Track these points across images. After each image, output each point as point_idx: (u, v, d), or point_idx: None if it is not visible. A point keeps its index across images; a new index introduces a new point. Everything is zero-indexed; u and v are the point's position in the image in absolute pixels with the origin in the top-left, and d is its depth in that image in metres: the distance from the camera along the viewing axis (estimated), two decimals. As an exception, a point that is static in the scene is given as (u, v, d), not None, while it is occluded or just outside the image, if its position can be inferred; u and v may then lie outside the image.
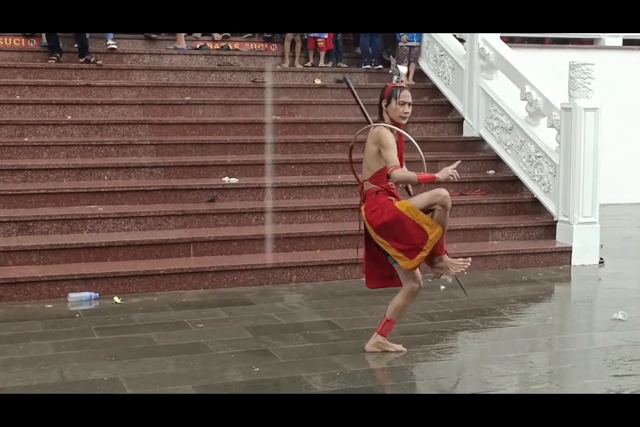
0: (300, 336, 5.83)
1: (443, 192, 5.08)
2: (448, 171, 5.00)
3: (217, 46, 11.24)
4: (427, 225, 5.06)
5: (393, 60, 5.70)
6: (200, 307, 6.59)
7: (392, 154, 5.06)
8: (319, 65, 11.19)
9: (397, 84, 5.25)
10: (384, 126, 5.17)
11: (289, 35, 11.05)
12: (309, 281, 7.45)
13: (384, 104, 5.23)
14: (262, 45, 11.54)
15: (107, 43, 10.36)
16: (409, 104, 5.21)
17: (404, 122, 5.25)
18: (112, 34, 10.42)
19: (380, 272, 5.38)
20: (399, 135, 5.25)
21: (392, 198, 5.20)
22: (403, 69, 5.38)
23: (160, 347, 5.57)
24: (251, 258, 7.49)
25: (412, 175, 5.05)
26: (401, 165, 5.14)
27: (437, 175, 5.03)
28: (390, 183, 5.24)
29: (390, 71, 5.40)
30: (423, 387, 4.96)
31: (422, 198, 5.14)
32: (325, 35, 11.09)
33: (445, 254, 5.26)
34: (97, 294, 6.79)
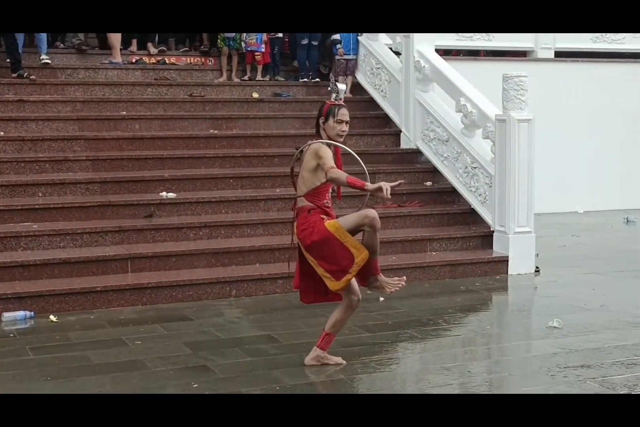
0: (240, 350, 5.80)
1: (372, 213, 5.07)
2: (382, 185, 4.86)
3: (153, 60, 11.18)
4: (354, 248, 5.05)
5: (332, 78, 5.67)
6: (138, 324, 6.51)
7: (330, 161, 5.04)
8: (257, 79, 11.19)
9: (336, 101, 5.23)
10: (322, 142, 5.17)
11: (225, 49, 11.04)
12: (249, 295, 7.42)
13: (321, 121, 5.21)
14: (199, 59, 11.51)
15: (41, 58, 10.22)
16: (347, 123, 5.20)
17: (341, 140, 5.22)
18: (45, 48, 10.29)
19: (314, 287, 5.36)
20: (336, 151, 5.24)
21: (324, 217, 5.17)
22: (342, 86, 5.34)
23: (97, 365, 5.49)
24: (189, 273, 7.44)
25: (343, 176, 4.96)
26: None
27: (367, 185, 4.93)
28: (325, 201, 5.21)
29: (329, 88, 5.37)
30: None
31: (351, 218, 5.12)
32: (263, 49, 11.10)
33: (380, 273, 5.27)
34: (32, 313, 6.67)
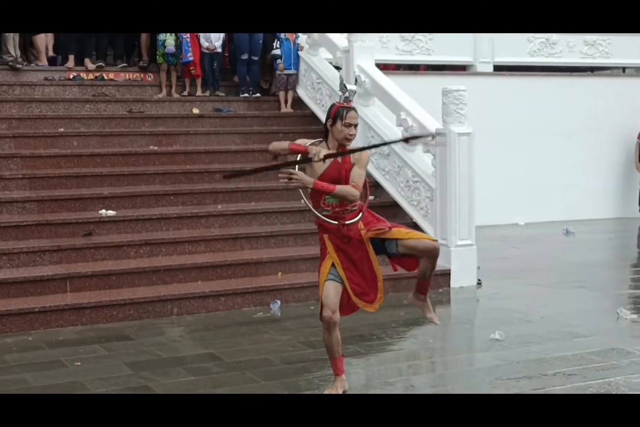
0: (182, 370, 5.73)
1: (327, 314, 4.91)
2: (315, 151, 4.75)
3: (91, 76, 11.04)
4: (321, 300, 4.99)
5: (342, 79, 5.34)
6: (77, 344, 6.40)
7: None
8: (196, 94, 11.11)
9: (344, 103, 4.96)
10: (315, 142, 4.99)
11: (164, 65, 10.95)
12: (191, 313, 7.34)
13: (329, 124, 4.94)
14: (138, 74, 11.39)
15: (-25, 75, 10.06)
16: (355, 126, 4.94)
17: (349, 144, 4.97)
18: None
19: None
20: (342, 158, 4.93)
21: (326, 235, 4.99)
22: (352, 87, 5.08)
23: (36, 388, 5.37)
24: (130, 292, 7.33)
25: (285, 143, 4.93)
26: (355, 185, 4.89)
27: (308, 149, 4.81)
28: (320, 208, 4.93)
29: (339, 89, 5.11)
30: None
31: (322, 294, 4.94)
32: (191, 58, 10.95)
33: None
34: (-32, 335, 6.53)
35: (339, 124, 4.90)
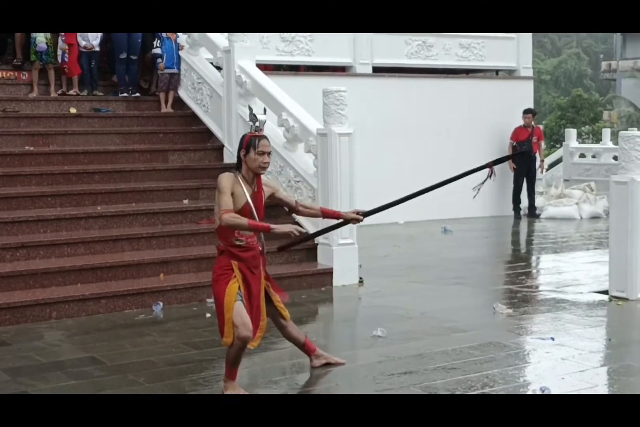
0: (62, 374, 5.61)
1: (245, 334, 4.94)
2: (290, 228, 5.01)
3: (-39, 74, 10.67)
4: (227, 327, 4.98)
5: (251, 109, 5.38)
6: (-49, 351, 6.19)
7: (225, 199, 4.92)
8: (72, 93, 10.84)
9: (256, 132, 5.09)
10: (232, 173, 5.07)
11: (37, 64, 10.64)
12: (70, 316, 7.17)
13: (242, 154, 5.06)
14: (12, 73, 11.03)
15: None
16: (269, 154, 5.07)
17: (264, 172, 5.12)
18: None
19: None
20: (258, 187, 5.12)
21: (236, 262, 5.05)
22: (262, 117, 5.18)
23: None
24: (6, 296, 7.11)
25: (244, 221, 4.92)
26: (260, 216, 5.08)
27: (273, 227, 4.97)
28: (234, 238, 5.03)
29: (249, 119, 5.23)
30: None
31: (234, 314, 4.94)
32: (65, 59, 10.76)
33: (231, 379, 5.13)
34: None
35: (252, 153, 5.02)
